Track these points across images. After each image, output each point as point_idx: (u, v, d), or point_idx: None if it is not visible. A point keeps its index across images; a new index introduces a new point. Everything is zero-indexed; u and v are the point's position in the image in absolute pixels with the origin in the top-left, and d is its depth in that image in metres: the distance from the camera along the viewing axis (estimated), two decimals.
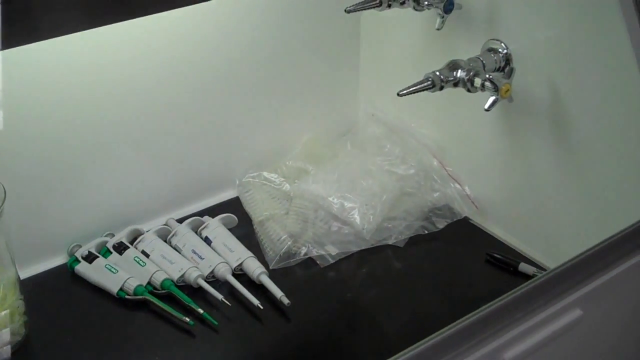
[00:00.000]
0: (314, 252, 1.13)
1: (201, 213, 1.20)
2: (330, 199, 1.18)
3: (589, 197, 1.02)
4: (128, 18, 0.85)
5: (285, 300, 1.02)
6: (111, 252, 1.11)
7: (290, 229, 1.15)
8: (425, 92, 1.02)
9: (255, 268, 1.08)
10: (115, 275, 1.06)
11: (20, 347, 0.97)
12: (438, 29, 1.06)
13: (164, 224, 1.17)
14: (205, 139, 1.21)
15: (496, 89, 0.98)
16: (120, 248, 1.11)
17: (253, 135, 1.26)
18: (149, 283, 1.06)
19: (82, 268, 1.09)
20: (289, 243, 1.13)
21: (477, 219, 1.19)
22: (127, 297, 1.05)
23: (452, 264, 1.13)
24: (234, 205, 1.23)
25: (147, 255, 1.10)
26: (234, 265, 1.09)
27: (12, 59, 0.96)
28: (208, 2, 1.05)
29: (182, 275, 1.07)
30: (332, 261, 1.12)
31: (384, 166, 1.24)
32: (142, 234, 1.14)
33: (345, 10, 1.04)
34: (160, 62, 1.12)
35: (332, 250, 1.13)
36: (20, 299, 0.98)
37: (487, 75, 0.99)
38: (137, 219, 1.17)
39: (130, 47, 1.08)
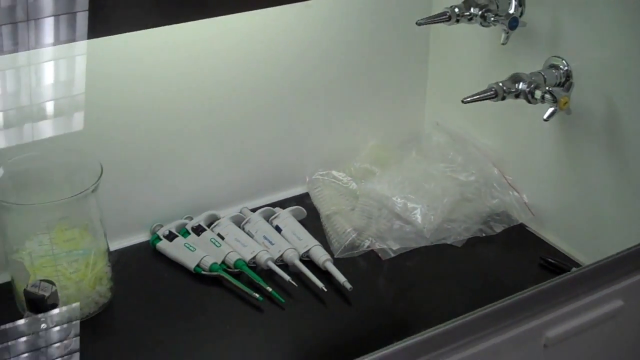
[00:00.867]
0: (377, 246, 1.21)
1: (272, 205, 1.30)
2: (394, 198, 1.26)
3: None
4: (209, 16, 0.95)
5: (348, 285, 1.10)
6: (190, 233, 1.21)
7: (355, 223, 1.23)
8: (488, 103, 1.10)
9: (321, 255, 1.16)
10: (193, 253, 1.16)
11: (105, 309, 1.08)
12: (503, 44, 1.14)
13: (239, 212, 1.27)
14: (280, 138, 1.31)
15: (555, 101, 1.05)
16: (198, 230, 1.21)
17: (324, 137, 1.35)
18: (223, 262, 1.15)
19: (163, 245, 1.19)
20: (353, 236, 1.21)
21: (533, 226, 1.26)
22: (203, 272, 1.14)
23: (507, 266, 1.20)
24: (303, 200, 1.32)
25: (222, 238, 1.20)
26: (302, 251, 1.17)
27: (107, 54, 1.08)
28: (293, 10, 1.15)
29: (254, 257, 1.16)
30: (392, 255, 1.20)
31: (446, 172, 1.31)
32: (218, 219, 1.24)
33: (416, 23, 1.13)
34: (247, 63, 1.22)
35: (393, 245, 1.21)
36: (108, 267, 1.08)
37: (547, 88, 1.06)
38: (214, 206, 1.27)
39: (220, 45, 1.18)
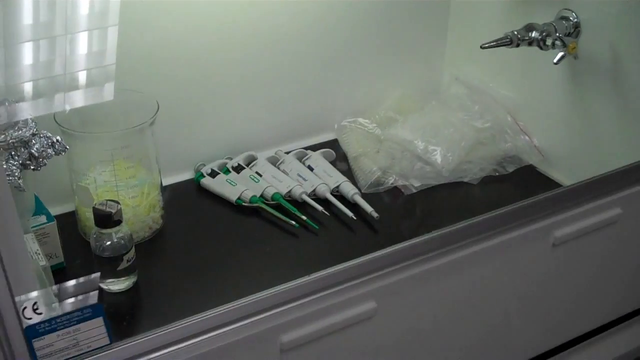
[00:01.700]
0: (399, 183, 1.33)
1: (304, 149, 1.42)
2: (416, 142, 1.37)
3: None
4: None
5: (375, 214, 1.22)
6: (230, 171, 1.33)
7: (380, 163, 1.35)
8: (504, 57, 1.21)
9: (350, 189, 1.28)
10: (234, 187, 1.28)
11: (157, 234, 1.20)
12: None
13: (274, 154, 1.39)
14: (312, 88, 1.43)
15: (564, 46, 1.16)
16: (238, 168, 1.33)
17: (352, 88, 1.47)
18: (261, 195, 1.28)
19: (207, 181, 1.31)
20: (378, 174, 1.33)
21: (543, 167, 1.38)
22: (243, 204, 1.26)
23: (517, 201, 1.31)
24: (331, 145, 1.44)
25: (260, 175, 1.32)
26: (332, 186, 1.29)
27: (162, 9, 1.20)
28: None
29: (289, 191, 1.28)
30: (414, 191, 1.32)
31: (464, 120, 1.43)
32: (256, 159, 1.36)
33: None
34: (282, 19, 1.34)
35: (415, 183, 1.33)
36: (160, 197, 1.21)
37: (558, 35, 1.18)
38: (251, 148, 1.39)
39: (261, 3, 1.30)
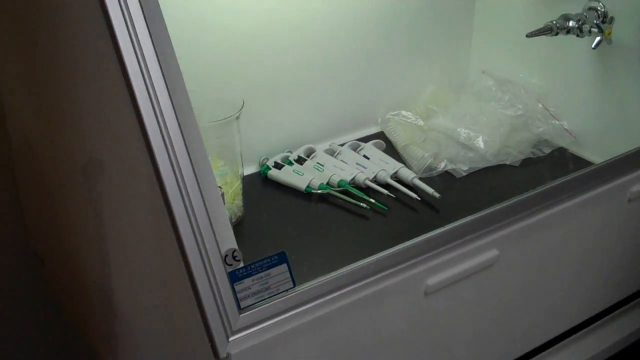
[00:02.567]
0: (450, 167, 1.44)
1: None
2: (459, 129, 1.49)
3: None
4: None
5: (437, 195, 1.33)
6: (293, 163, 1.43)
7: (430, 150, 1.47)
8: (529, 47, 1.34)
9: (408, 174, 1.39)
10: (302, 177, 1.38)
11: (241, 222, 1.29)
12: None
13: (328, 147, 1.49)
14: (356, 85, 1.54)
15: (601, 31, 1.30)
16: (300, 160, 1.43)
17: (390, 84, 1.59)
18: (327, 183, 1.38)
19: (274, 173, 1.41)
20: (430, 160, 1.44)
21: (574, 149, 1.51)
22: (312, 191, 1.36)
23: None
24: (378, 137, 1.55)
25: (322, 165, 1.42)
26: (391, 172, 1.40)
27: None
28: None
29: (353, 178, 1.38)
30: (464, 174, 1.44)
31: (497, 109, 1.55)
32: (315, 151, 1.46)
33: None
34: (329, 26, 1.45)
35: (463, 167, 1.45)
36: (241, 186, 1.30)
37: (594, 21, 1.31)
38: (306, 142, 1.49)
39: (318, 10, 1.41)
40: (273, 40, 1.40)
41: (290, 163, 1.43)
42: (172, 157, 0.77)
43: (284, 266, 0.80)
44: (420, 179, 1.40)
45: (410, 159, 1.47)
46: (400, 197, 1.36)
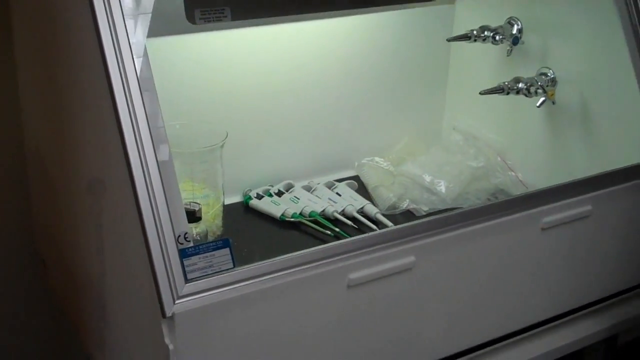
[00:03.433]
0: (412, 206, 1.62)
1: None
2: (424, 176, 1.67)
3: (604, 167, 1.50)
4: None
5: (390, 224, 1.51)
6: (273, 195, 1.61)
7: (395, 192, 1.65)
8: (494, 108, 1.54)
9: (373, 209, 1.57)
10: (278, 206, 1.57)
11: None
12: (508, 56, 1.58)
13: (307, 184, 1.68)
14: (339, 132, 1.73)
15: (545, 93, 1.49)
16: (279, 193, 1.62)
17: (368, 133, 1.78)
18: (300, 213, 1.56)
19: (255, 202, 1.60)
20: (395, 199, 1.62)
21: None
22: (286, 219, 1.54)
23: None
24: (353, 180, 1.73)
25: (298, 199, 1.60)
26: (358, 207, 1.58)
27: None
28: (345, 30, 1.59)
29: (323, 210, 1.56)
30: (424, 213, 1.61)
31: (462, 160, 1.73)
32: (293, 186, 1.65)
33: (447, 40, 1.57)
34: (310, 75, 1.65)
35: (424, 207, 1.62)
36: (221, 208, 1.49)
37: (539, 84, 1.50)
38: (288, 178, 1.68)
39: (299, 59, 1.62)
40: (265, 87, 1.60)
41: (270, 195, 1.61)
42: (145, 169, 0.97)
43: (227, 250, 0.99)
44: (384, 215, 1.58)
45: (377, 198, 1.65)
46: (363, 229, 1.53)
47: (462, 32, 1.64)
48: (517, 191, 1.69)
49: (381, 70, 1.74)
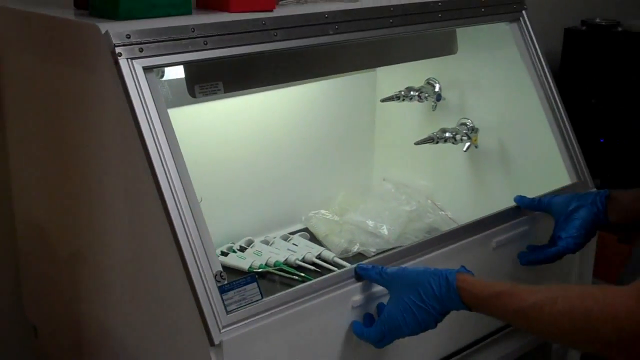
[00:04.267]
0: (362, 249, 1.82)
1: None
2: (367, 222, 1.88)
3: None
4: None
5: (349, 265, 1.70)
6: (236, 251, 1.77)
7: (345, 238, 1.84)
8: (420, 158, 1.79)
9: (330, 254, 1.75)
10: (245, 260, 1.72)
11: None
12: (433, 111, 1.83)
13: (264, 238, 1.85)
14: (287, 191, 1.92)
15: (470, 139, 1.74)
16: (242, 249, 1.78)
17: (312, 190, 1.97)
18: (266, 264, 1.72)
19: (221, 259, 1.74)
20: (346, 245, 1.81)
21: None
22: (254, 270, 1.70)
23: None
24: (303, 231, 1.92)
25: (261, 252, 1.77)
26: (316, 254, 1.76)
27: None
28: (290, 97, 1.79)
29: (286, 259, 1.73)
30: (373, 254, 1.81)
31: (396, 206, 1.95)
32: (253, 242, 1.82)
33: (380, 100, 1.80)
34: (263, 140, 1.84)
35: (372, 249, 1.82)
36: None
37: (464, 132, 1.75)
38: (248, 235, 1.84)
39: (253, 126, 1.81)
40: (221, 155, 1.78)
41: (234, 251, 1.77)
42: (182, 216, 1.13)
43: (254, 284, 1.16)
44: (340, 258, 1.77)
45: (330, 245, 1.83)
46: (324, 272, 1.71)
47: (384, 94, 1.88)
48: (449, 227, 1.92)
49: (319, 133, 1.95)
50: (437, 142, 1.78)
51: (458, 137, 1.77)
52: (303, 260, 1.75)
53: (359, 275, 1.34)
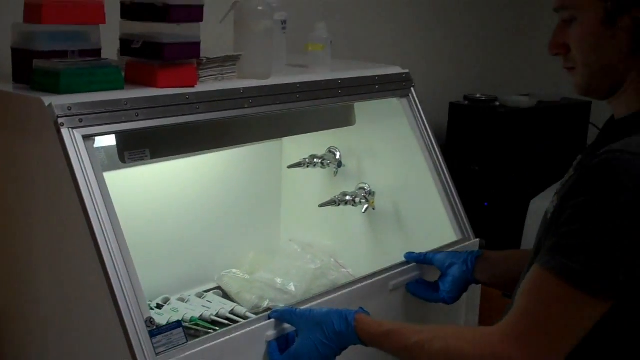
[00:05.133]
0: (272, 304, 1.96)
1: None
2: (276, 279, 2.03)
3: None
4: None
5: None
6: (154, 309, 1.89)
7: (256, 294, 1.98)
8: (323, 219, 1.97)
9: (242, 309, 1.90)
10: (162, 316, 1.84)
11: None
12: (335, 176, 2.02)
13: (180, 296, 1.97)
14: (200, 252, 2.05)
15: (367, 202, 1.93)
16: (159, 306, 1.90)
17: (223, 250, 2.12)
18: (182, 319, 1.84)
19: None
20: (257, 301, 1.96)
21: None
22: None
23: None
24: (216, 289, 2.05)
25: (177, 309, 1.89)
26: (229, 309, 1.90)
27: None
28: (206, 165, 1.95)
29: (201, 315, 1.86)
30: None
31: (302, 265, 2.11)
32: (170, 299, 1.94)
33: (287, 167, 1.98)
34: (179, 200, 1.98)
35: (280, 304, 1.97)
36: None
37: (363, 195, 1.94)
38: (163, 294, 1.96)
39: (165, 184, 1.94)
40: (141, 219, 1.90)
41: (152, 308, 1.89)
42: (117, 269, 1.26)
43: (180, 329, 1.29)
44: (252, 313, 1.91)
45: (242, 301, 1.97)
46: None
47: (290, 161, 2.06)
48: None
49: (231, 196, 2.10)
50: (339, 205, 1.96)
51: (357, 200, 1.96)
52: (217, 315, 1.89)
53: (272, 318, 1.50)
